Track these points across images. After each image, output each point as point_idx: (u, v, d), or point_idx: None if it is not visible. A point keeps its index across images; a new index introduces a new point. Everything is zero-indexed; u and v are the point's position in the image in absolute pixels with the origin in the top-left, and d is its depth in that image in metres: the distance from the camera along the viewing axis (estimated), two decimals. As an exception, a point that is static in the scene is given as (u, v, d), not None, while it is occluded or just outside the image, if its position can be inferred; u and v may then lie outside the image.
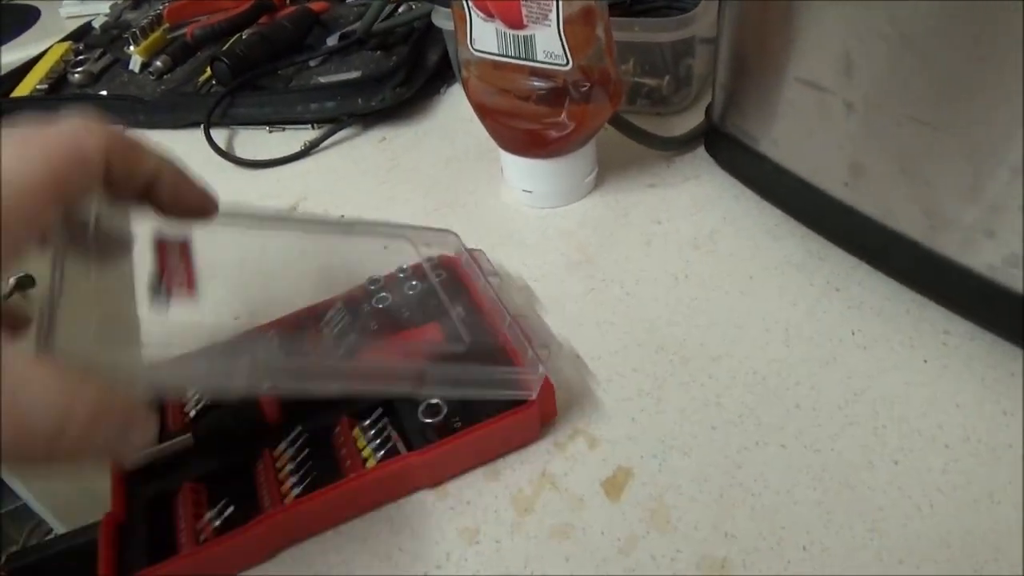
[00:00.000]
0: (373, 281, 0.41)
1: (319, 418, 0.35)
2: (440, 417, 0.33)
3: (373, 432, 0.34)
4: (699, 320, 0.40)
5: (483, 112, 0.47)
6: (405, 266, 0.41)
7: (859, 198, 0.39)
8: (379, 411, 0.34)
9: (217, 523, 0.31)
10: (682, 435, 0.34)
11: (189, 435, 0.34)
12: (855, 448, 0.33)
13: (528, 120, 0.45)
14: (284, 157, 0.58)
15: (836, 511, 0.31)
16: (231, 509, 0.31)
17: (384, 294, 0.40)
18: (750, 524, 0.31)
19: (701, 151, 0.52)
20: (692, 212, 0.47)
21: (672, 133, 0.51)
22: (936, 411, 0.34)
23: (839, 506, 0.31)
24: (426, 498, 0.33)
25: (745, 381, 0.36)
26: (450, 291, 0.39)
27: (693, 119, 0.54)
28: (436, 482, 0.34)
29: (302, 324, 0.39)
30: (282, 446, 0.34)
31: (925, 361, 0.36)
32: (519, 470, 0.34)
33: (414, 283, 0.40)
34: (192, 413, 0.35)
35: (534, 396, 0.33)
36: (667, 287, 0.42)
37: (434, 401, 0.33)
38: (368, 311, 0.39)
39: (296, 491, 0.32)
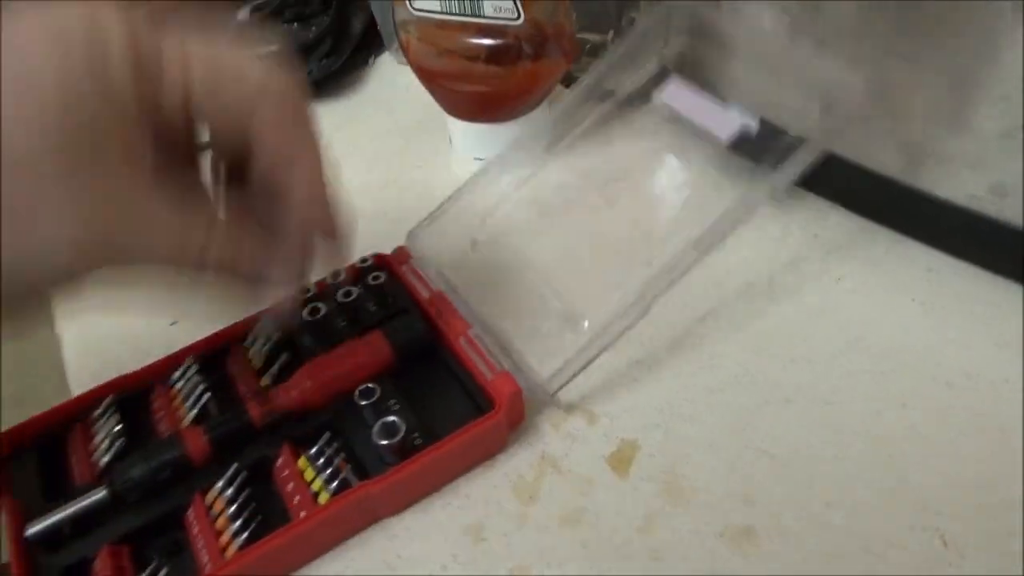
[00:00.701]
0: (302, 291, 0.35)
1: (255, 450, 0.30)
2: (398, 437, 0.29)
3: (322, 461, 0.30)
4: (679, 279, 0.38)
5: (427, 77, 0.44)
6: (339, 270, 0.36)
7: (831, 139, 0.38)
8: (326, 435, 0.30)
9: None
10: (683, 401, 0.33)
11: (103, 489, 0.29)
12: (861, 397, 0.32)
13: (478, 82, 0.42)
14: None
15: (854, 462, 0.30)
16: (164, 572, 0.27)
17: (317, 304, 0.35)
18: (770, 487, 0.29)
19: (655, 104, 0.50)
20: (655, 167, 0.45)
21: (624, 88, 0.49)
22: (933, 350, 0.33)
23: (856, 457, 0.30)
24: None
25: (736, 339, 0.35)
26: (391, 294, 0.36)
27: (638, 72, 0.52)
28: (400, 508, 0.30)
29: (222, 347, 0.35)
30: (216, 489, 0.29)
31: (913, 300, 0.35)
32: (516, 455, 0.32)
33: (350, 290, 0.35)
34: (103, 462, 0.30)
35: (500, 410, 0.30)
36: (640, 183, 0.40)
37: (390, 419, 0.30)
38: (298, 325, 0.34)
39: (239, 540, 0.28)
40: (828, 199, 0.39)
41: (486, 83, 0.42)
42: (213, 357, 0.34)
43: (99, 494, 0.29)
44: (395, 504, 0.30)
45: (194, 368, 0.33)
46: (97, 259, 0.22)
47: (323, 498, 0.28)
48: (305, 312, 0.34)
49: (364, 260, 0.37)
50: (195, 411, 0.32)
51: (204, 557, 0.28)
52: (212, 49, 0.23)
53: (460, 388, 0.33)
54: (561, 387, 0.32)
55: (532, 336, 0.35)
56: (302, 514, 0.28)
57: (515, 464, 0.31)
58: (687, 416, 0.32)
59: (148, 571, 0.27)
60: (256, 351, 0.34)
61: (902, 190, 0.36)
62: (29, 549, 0.28)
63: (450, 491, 0.31)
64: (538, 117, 0.45)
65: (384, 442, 0.29)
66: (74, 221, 0.21)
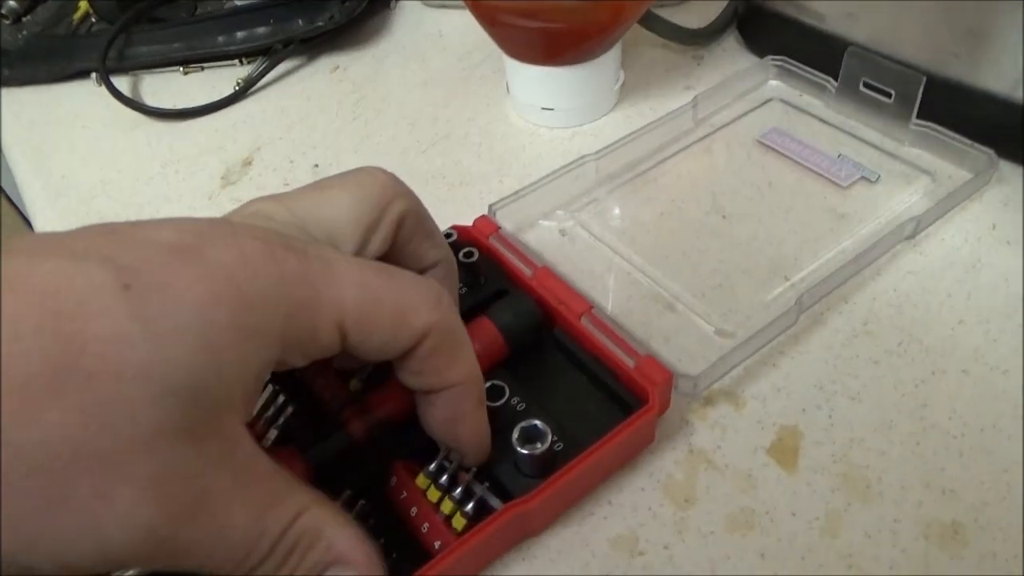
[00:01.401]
0: None
1: (362, 470, 0.25)
2: (545, 445, 0.24)
3: (446, 478, 0.24)
4: (801, 233, 0.33)
5: (486, 13, 0.38)
6: None
7: (966, 68, 0.34)
8: (445, 447, 0.25)
9: None
10: (840, 376, 0.28)
11: None
12: (1048, 361, 0.28)
13: (552, 17, 0.36)
14: (217, 102, 0.47)
15: (1059, 440, 0.26)
16: None
17: None
18: (966, 473, 0.25)
19: (728, 43, 0.45)
20: (744, 109, 0.40)
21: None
22: (1116, 305, 0.29)
23: (1060, 433, 0.26)
24: (554, 507, 0.26)
25: (888, 300, 0.31)
26: (485, 273, 0.31)
27: (701, 10, 0.46)
28: (546, 526, 0.25)
29: None
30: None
31: (1081, 249, 0.31)
32: (659, 452, 0.27)
33: None
34: None
35: (654, 403, 0.25)
36: (750, 199, 0.35)
37: (531, 423, 0.25)
38: None
39: None
40: (956, 131, 0.35)
41: (561, 19, 0.36)
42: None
43: None
44: (542, 522, 0.25)
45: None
46: (153, 553, 0.17)
47: (458, 522, 0.23)
48: None
49: (448, 235, 0.32)
50: (278, 426, 0.26)
51: None
52: (371, 296, 0.20)
53: (589, 378, 0.28)
54: (711, 384, 0.28)
55: (651, 328, 0.30)
56: (437, 544, 0.23)
57: (660, 463, 0.27)
58: (851, 393, 0.28)
59: None
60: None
61: None
62: None
63: (590, 500, 0.26)
64: (611, 58, 0.40)
65: (525, 451, 0.24)
66: (141, 507, 0.16)
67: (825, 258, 0.32)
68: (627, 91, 0.43)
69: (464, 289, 0.30)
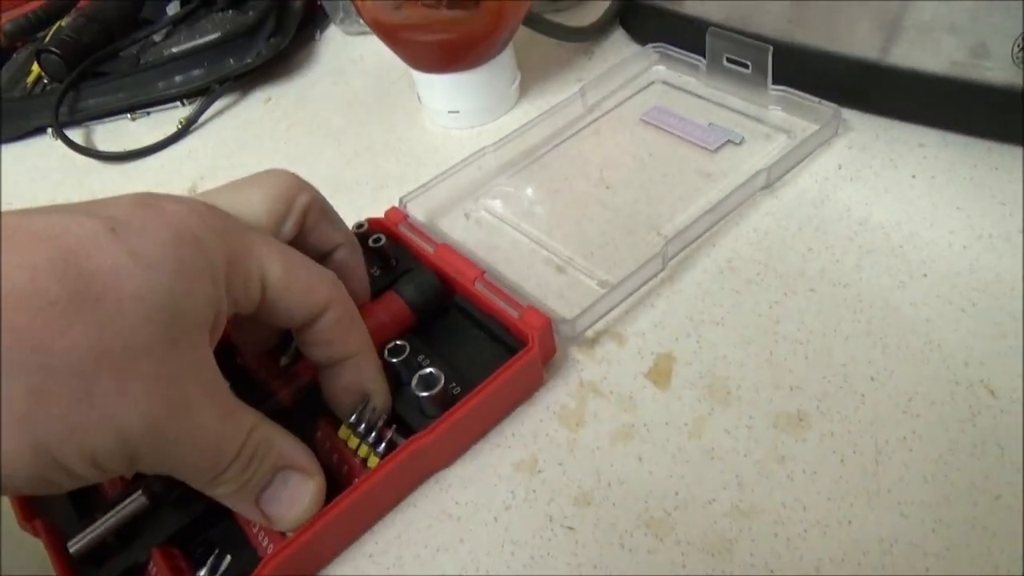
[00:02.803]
0: None
1: (292, 429, 0.29)
2: (438, 387, 0.28)
3: (363, 426, 0.28)
4: (673, 193, 0.38)
5: (387, 32, 0.43)
6: None
7: (806, 33, 0.38)
8: (363, 401, 0.29)
9: None
10: (707, 307, 0.33)
11: (139, 494, 0.27)
12: (881, 273, 0.32)
13: (442, 29, 0.41)
14: (162, 141, 0.51)
15: (887, 335, 0.30)
16: (228, 561, 0.26)
17: None
18: (810, 371, 0.30)
19: (616, 37, 0.50)
20: (630, 92, 0.45)
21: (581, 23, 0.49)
22: (941, 219, 0.33)
23: (888, 329, 0.30)
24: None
25: (748, 239, 0.35)
26: (393, 256, 0.35)
27: (596, 8, 0.51)
28: (452, 459, 0.29)
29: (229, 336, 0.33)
30: None
31: (913, 176, 0.36)
32: (555, 387, 0.31)
33: None
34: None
35: (534, 344, 0.30)
36: (632, 170, 0.40)
37: (427, 371, 0.29)
38: None
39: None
40: (811, 94, 0.39)
41: (450, 29, 0.41)
42: (221, 347, 0.33)
43: (137, 500, 0.27)
44: (446, 455, 0.29)
45: None
46: (138, 448, 0.21)
47: (372, 462, 0.27)
48: None
49: (360, 226, 0.36)
50: None
51: (263, 541, 0.27)
52: (286, 263, 0.25)
53: (485, 332, 0.32)
54: (589, 327, 0.32)
55: (546, 288, 0.35)
56: (355, 481, 0.27)
57: (556, 396, 0.31)
58: (715, 320, 0.32)
59: (209, 564, 0.26)
60: None
61: (883, 70, 0.36)
62: (75, 566, 0.27)
63: (495, 435, 0.30)
64: (505, 60, 0.44)
65: (424, 394, 0.28)
66: (146, 400, 0.21)
67: (691, 211, 0.36)
68: (525, 89, 0.47)
69: (377, 271, 0.35)
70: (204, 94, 0.54)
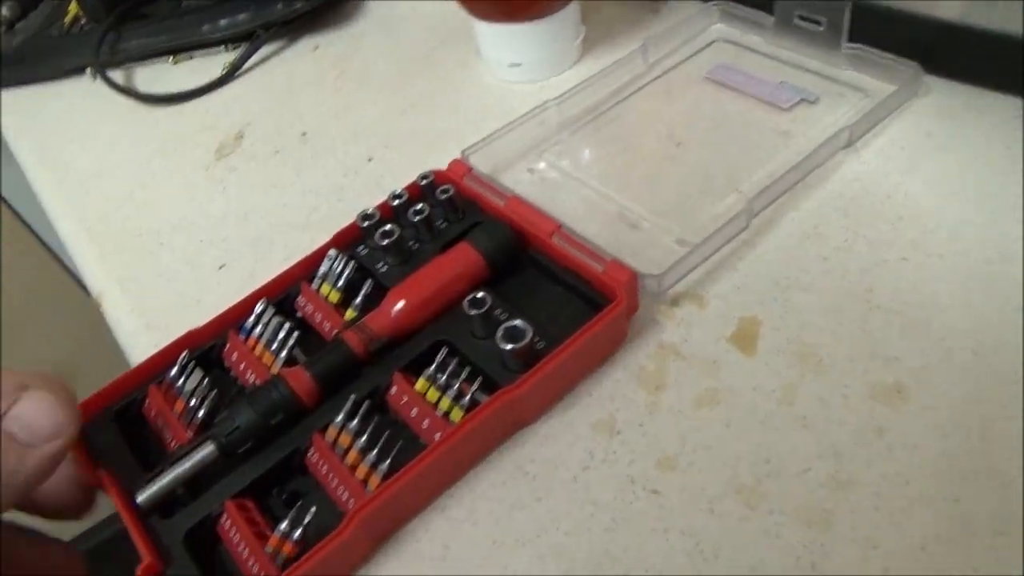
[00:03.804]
0: (366, 217, 0.33)
1: (365, 382, 0.28)
2: (525, 340, 0.27)
3: (443, 379, 0.27)
4: (750, 151, 0.36)
5: (454, -22, 0.41)
6: (398, 190, 0.34)
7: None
8: (443, 351, 0.28)
9: (297, 534, 0.24)
10: (793, 272, 0.31)
11: (209, 444, 0.26)
12: (977, 246, 0.30)
13: (512, -24, 0.39)
14: (206, 85, 0.49)
15: (987, 308, 0.28)
16: (313, 510, 0.25)
17: (389, 227, 0.32)
18: (907, 343, 0.28)
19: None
20: (692, 51, 0.43)
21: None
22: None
23: (988, 303, 0.29)
24: (538, 401, 0.28)
25: (835, 205, 0.33)
26: (462, 208, 0.33)
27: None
28: (536, 415, 0.28)
29: (290, 289, 0.32)
30: (336, 424, 0.27)
31: (1007, 147, 0.34)
32: (632, 348, 0.30)
33: (419, 207, 0.33)
34: (198, 418, 0.28)
35: (621, 299, 0.28)
36: (703, 128, 0.38)
37: (513, 323, 0.27)
38: (368, 253, 0.33)
39: (381, 469, 0.25)
40: (895, 53, 0.37)
41: (522, -24, 0.39)
42: (281, 301, 0.32)
43: (207, 450, 0.26)
44: (533, 410, 0.28)
45: (270, 312, 0.31)
46: None
47: (456, 415, 0.26)
48: (377, 236, 0.32)
49: (425, 176, 0.34)
50: (285, 353, 0.29)
51: (343, 495, 0.25)
52: None
53: (562, 287, 0.31)
54: (673, 284, 0.31)
55: (620, 245, 0.33)
56: (437, 435, 0.25)
57: (633, 357, 0.29)
58: (802, 286, 0.31)
59: (290, 517, 0.24)
60: (329, 287, 0.32)
61: (967, 33, 0.34)
62: (144, 517, 0.25)
63: (571, 394, 0.29)
64: (570, 12, 0.42)
65: (509, 347, 0.26)
66: None
67: (771, 169, 0.34)
68: (589, 45, 0.45)
69: (444, 224, 0.33)
70: (249, 39, 0.52)
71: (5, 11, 0.58)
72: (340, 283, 0.31)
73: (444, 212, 0.33)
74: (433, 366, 0.27)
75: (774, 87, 0.39)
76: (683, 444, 0.27)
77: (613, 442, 0.27)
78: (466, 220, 0.33)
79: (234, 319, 0.31)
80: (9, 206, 0.78)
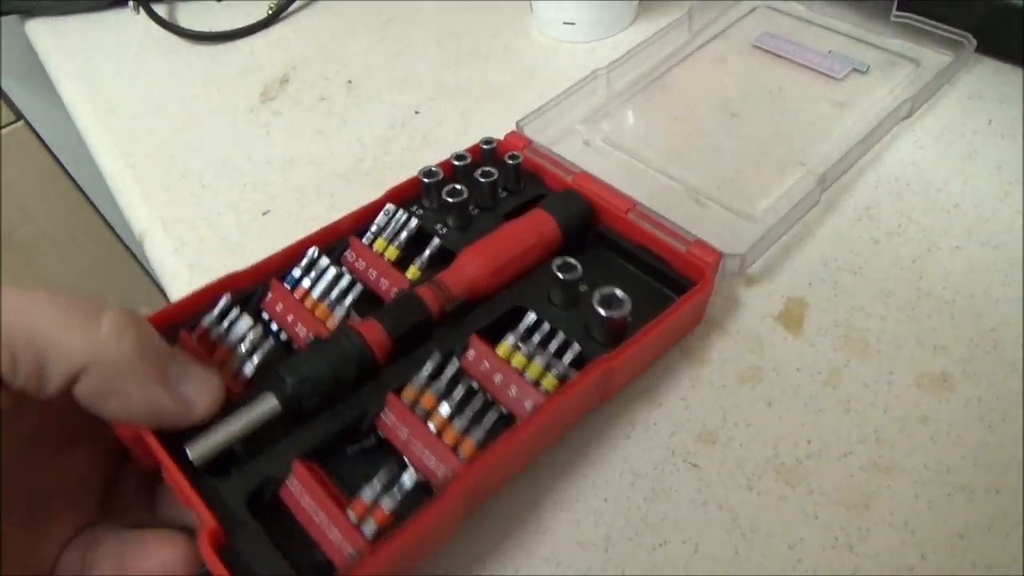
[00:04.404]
0: (428, 173, 0.31)
1: (438, 344, 0.26)
2: (623, 311, 0.26)
3: (530, 346, 0.26)
4: (807, 123, 0.35)
5: (512, -70, 0.40)
6: (461, 151, 0.33)
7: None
8: (532, 317, 0.26)
9: (389, 504, 0.22)
10: (844, 254, 0.31)
11: (269, 395, 0.23)
12: (1036, 237, 0.30)
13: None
14: (252, 25, 0.49)
15: (1042, 303, 0.28)
16: (409, 474, 0.22)
17: (458, 187, 0.30)
18: (956, 332, 0.28)
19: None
20: (735, 17, 0.42)
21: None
22: (1103, 188, 0.31)
23: (1043, 298, 0.28)
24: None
25: (890, 189, 0.33)
26: (527, 181, 0.33)
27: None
28: (623, 386, 0.28)
29: (340, 240, 0.30)
30: (416, 384, 0.25)
31: (1073, 140, 0.33)
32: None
33: (487, 170, 0.31)
34: (248, 368, 0.25)
35: (708, 280, 0.27)
36: (757, 99, 0.37)
37: (613, 290, 0.26)
38: (423, 213, 0.31)
39: (476, 436, 0.24)
40: (957, 28, 0.37)
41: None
42: (327, 253, 0.30)
43: (268, 403, 0.23)
44: (616, 385, 0.27)
45: (324, 261, 0.29)
46: None
47: (549, 383, 0.25)
48: (444, 193, 0.30)
49: (488, 142, 0.33)
50: (348, 304, 0.28)
51: (430, 461, 0.23)
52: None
53: (636, 264, 0.30)
54: (754, 263, 0.31)
55: (685, 221, 0.31)
56: (528, 403, 0.25)
57: (677, 328, 0.29)
58: (852, 269, 0.30)
59: (379, 481, 0.22)
60: (385, 242, 0.30)
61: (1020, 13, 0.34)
62: (195, 477, 0.22)
63: (613, 359, 0.29)
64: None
65: (606, 314, 0.26)
66: None
67: (834, 142, 0.34)
68: (645, 7, 0.44)
69: (505, 194, 0.32)
70: (295, -19, 0.51)
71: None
72: (400, 240, 0.30)
73: (506, 181, 0.32)
74: (520, 331, 0.26)
75: (824, 56, 0.38)
76: (724, 419, 0.27)
77: (655, 413, 0.27)
78: (526, 192, 0.32)
79: (278, 266, 0.29)
80: (41, 140, 0.78)
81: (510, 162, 0.32)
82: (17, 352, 0.19)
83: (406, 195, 0.32)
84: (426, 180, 0.31)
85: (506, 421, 0.25)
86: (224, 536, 0.21)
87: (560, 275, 0.27)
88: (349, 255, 0.30)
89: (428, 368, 0.25)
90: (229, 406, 0.23)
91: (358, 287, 0.28)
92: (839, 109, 0.36)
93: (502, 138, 0.34)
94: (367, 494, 0.22)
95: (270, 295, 0.29)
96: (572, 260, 0.27)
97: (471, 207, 0.31)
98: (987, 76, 0.36)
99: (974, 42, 0.35)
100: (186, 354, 0.23)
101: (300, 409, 0.24)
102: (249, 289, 0.29)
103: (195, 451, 0.22)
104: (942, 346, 0.28)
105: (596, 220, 0.31)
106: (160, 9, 0.52)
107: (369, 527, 0.21)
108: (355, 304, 0.28)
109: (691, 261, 0.28)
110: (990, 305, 0.28)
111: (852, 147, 0.32)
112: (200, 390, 0.23)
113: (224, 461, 0.23)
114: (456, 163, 0.32)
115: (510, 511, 0.25)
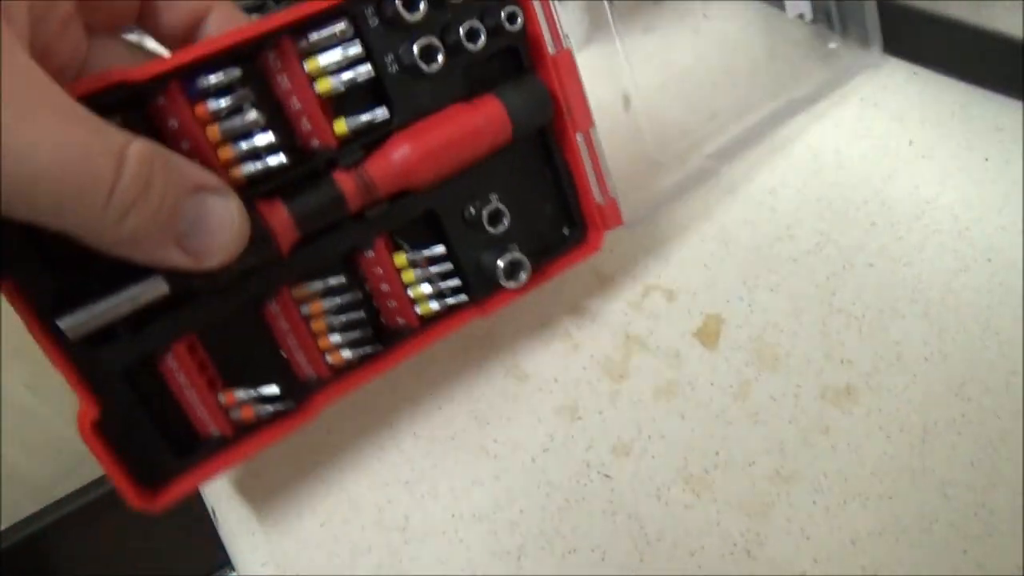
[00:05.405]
0: None
1: (345, 238, 0.25)
2: (519, 280, 0.26)
3: (423, 261, 0.26)
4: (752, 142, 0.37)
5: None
6: None
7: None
8: (434, 232, 0.26)
9: (260, 406, 0.24)
10: (762, 272, 0.32)
11: (158, 278, 0.21)
12: (944, 255, 0.31)
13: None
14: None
15: (945, 317, 0.29)
16: (274, 387, 0.24)
17: (430, 39, 0.24)
18: (863, 346, 0.29)
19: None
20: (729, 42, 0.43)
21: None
22: (1011, 206, 0.33)
23: (947, 313, 0.30)
24: (506, 384, 0.30)
25: (810, 210, 0.34)
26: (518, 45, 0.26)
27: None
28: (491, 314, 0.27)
29: (262, 42, 0.23)
30: (311, 288, 0.24)
31: (986, 159, 0.34)
32: (599, 338, 0.31)
33: (476, 28, 0.25)
34: None
35: (593, 247, 0.28)
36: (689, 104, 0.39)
37: (514, 253, 0.26)
38: (378, 27, 0.24)
39: (346, 355, 0.25)
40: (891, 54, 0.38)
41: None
42: (250, 58, 0.23)
43: (154, 284, 0.21)
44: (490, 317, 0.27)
45: (235, 73, 0.22)
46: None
47: (425, 309, 0.26)
48: (416, 48, 0.24)
49: None
50: (250, 144, 0.22)
51: (301, 360, 0.24)
52: None
53: (557, 189, 0.28)
54: (637, 221, 0.30)
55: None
56: (399, 320, 0.26)
57: (600, 346, 0.31)
58: (769, 286, 0.32)
59: (250, 383, 0.23)
60: (328, 68, 0.23)
61: (972, 33, 0.35)
62: (75, 357, 0.21)
63: (537, 378, 0.30)
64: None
65: (501, 264, 0.26)
66: None
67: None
68: None
69: (487, 62, 0.26)
70: None
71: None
72: (343, 75, 0.23)
73: (503, 43, 0.26)
74: (419, 250, 0.26)
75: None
76: (639, 432, 0.28)
77: (574, 427, 0.29)
78: (514, 62, 0.27)
79: (178, 68, 0.21)
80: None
81: (507, 25, 0.25)
82: None
83: None
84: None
85: (386, 334, 0.26)
86: (97, 414, 0.21)
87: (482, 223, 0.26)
88: (274, 61, 0.23)
89: (328, 278, 0.25)
90: (115, 281, 0.21)
91: (270, 135, 0.22)
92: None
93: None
94: (240, 394, 0.23)
95: (164, 101, 0.21)
96: (500, 206, 0.27)
97: (449, 72, 0.25)
98: (929, 103, 0.37)
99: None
100: (203, 172, 0.20)
101: (190, 289, 0.22)
102: (132, 96, 0.21)
103: (67, 323, 0.20)
104: (848, 360, 0.29)
105: (554, 123, 0.27)
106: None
107: (235, 415, 0.24)
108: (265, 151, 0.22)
109: (596, 220, 0.28)
110: (896, 320, 0.30)
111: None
112: (214, 235, 0.21)
113: (105, 337, 0.22)
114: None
115: (431, 523, 0.27)
